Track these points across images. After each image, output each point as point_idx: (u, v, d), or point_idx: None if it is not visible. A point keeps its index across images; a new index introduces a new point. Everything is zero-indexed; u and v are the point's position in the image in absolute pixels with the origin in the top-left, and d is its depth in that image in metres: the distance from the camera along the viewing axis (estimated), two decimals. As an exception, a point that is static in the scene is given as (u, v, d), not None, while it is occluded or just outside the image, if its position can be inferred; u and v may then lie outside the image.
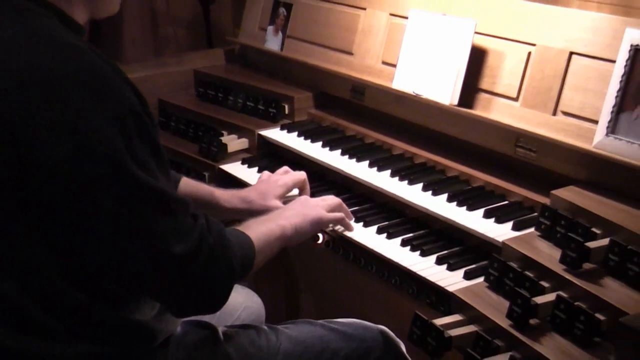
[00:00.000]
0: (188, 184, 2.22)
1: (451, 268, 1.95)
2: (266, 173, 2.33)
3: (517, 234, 1.95)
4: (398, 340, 1.97)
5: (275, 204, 2.21)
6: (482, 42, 2.32)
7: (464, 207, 2.10)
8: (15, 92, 1.52)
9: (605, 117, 1.97)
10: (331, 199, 2.15)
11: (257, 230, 1.87)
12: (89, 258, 1.61)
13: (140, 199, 1.56)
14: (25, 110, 1.51)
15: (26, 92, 1.52)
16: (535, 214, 1.98)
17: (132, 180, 1.55)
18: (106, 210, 1.55)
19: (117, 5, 1.77)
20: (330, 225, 2.14)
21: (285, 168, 2.33)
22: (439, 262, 1.98)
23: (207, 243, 1.66)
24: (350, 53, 2.75)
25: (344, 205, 2.17)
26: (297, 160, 2.54)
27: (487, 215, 2.05)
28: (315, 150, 2.54)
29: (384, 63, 2.62)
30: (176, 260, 1.61)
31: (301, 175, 2.29)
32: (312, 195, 2.29)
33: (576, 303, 1.63)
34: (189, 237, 1.63)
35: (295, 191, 2.30)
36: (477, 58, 2.31)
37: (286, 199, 2.25)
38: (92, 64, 1.57)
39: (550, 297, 1.68)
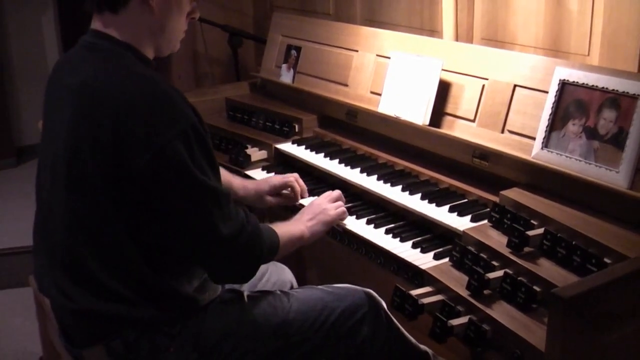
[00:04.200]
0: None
1: (423, 251, 1.95)
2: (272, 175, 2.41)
3: (474, 224, 1.95)
4: (380, 299, 1.97)
5: (267, 201, 2.28)
6: (447, 77, 2.32)
7: (434, 204, 2.11)
8: (108, 115, 1.58)
9: (540, 135, 1.98)
10: (335, 194, 2.16)
11: (282, 229, 1.90)
12: (161, 238, 1.65)
13: (198, 194, 1.61)
14: (118, 130, 1.58)
15: (115, 115, 1.58)
16: (488, 209, 1.99)
17: (193, 181, 1.59)
18: (174, 203, 1.61)
19: (177, 45, 1.80)
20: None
21: (295, 175, 2.36)
22: (414, 246, 1.98)
23: (246, 230, 1.70)
24: (346, 85, 2.75)
25: (342, 196, 2.18)
26: (304, 168, 2.55)
27: (451, 210, 2.06)
28: (318, 159, 2.54)
29: (372, 92, 2.62)
30: (223, 239, 1.66)
31: (288, 179, 2.31)
32: (316, 193, 2.30)
33: (519, 278, 1.65)
34: (233, 223, 1.68)
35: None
36: (444, 89, 2.32)
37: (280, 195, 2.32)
38: (163, 91, 1.61)
39: (499, 273, 1.70)
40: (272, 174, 2.57)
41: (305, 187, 2.34)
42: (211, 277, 1.78)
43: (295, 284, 2.26)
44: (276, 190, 2.31)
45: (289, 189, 2.32)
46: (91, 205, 1.63)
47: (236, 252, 1.71)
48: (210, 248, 1.68)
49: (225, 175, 2.31)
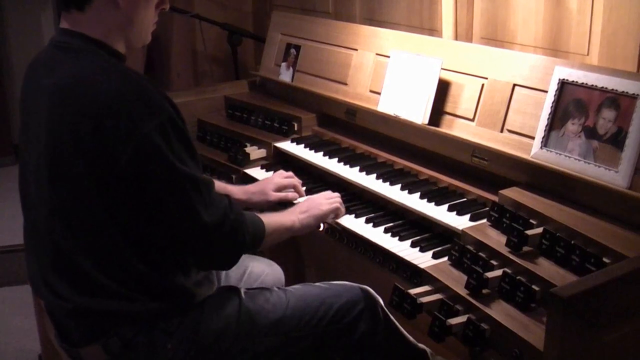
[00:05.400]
0: None
1: (422, 250, 1.95)
2: (270, 173, 2.43)
3: (473, 223, 1.95)
4: (377, 295, 1.97)
5: (271, 196, 2.28)
6: (447, 76, 2.32)
7: (433, 203, 2.10)
8: (87, 114, 1.58)
9: (539, 134, 1.98)
10: (334, 196, 2.16)
11: (270, 218, 1.92)
12: (146, 228, 1.65)
13: (179, 183, 1.63)
14: (97, 127, 1.57)
15: (97, 114, 1.58)
16: (487, 208, 1.98)
17: (173, 171, 1.61)
18: (157, 194, 1.62)
19: (148, 37, 1.80)
20: (330, 216, 2.14)
21: (289, 173, 2.38)
22: (413, 245, 1.98)
23: (229, 218, 1.71)
24: (345, 84, 2.74)
25: (340, 199, 2.18)
26: (303, 166, 2.55)
27: (450, 209, 2.06)
28: (317, 158, 2.54)
29: (371, 91, 2.62)
30: (206, 227, 1.67)
31: (290, 180, 2.34)
32: (315, 192, 2.30)
33: (517, 277, 1.64)
34: (216, 210, 1.69)
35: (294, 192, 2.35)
36: (443, 88, 2.31)
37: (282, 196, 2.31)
38: (140, 85, 1.62)
39: (498, 272, 1.69)
40: (272, 172, 2.57)
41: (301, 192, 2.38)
42: (195, 264, 1.79)
43: (282, 282, 2.28)
44: (280, 189, 2.33)
45: (292, 189, 2.34)
46: (78, 203, 1.63)
47: (219, 239, 1.72)
48: (193, 235, 1.68)
49: (219, 184, 2.31)
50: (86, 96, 1.59)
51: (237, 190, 2.31)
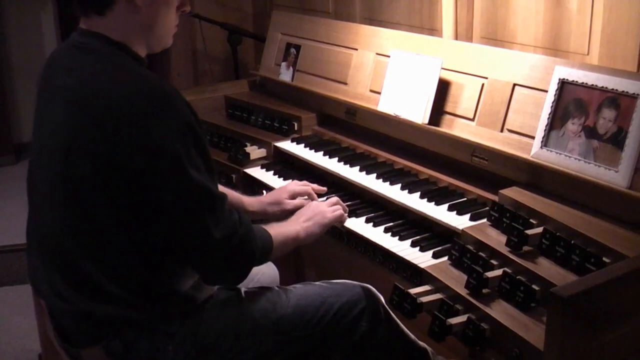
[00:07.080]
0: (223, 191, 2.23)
1: (422, 249, 1.95)
2: (270, 173, 2.43)
3: (473, 223, 1.95)
4: (378, 294, 1.96)
5: (287, 204, 2.22)
6: (447, 75, 2.32)
7: (433, 203, 2.11)
8: (105, 115, 1.56)
9: (539, 134, 1.98)
10: (333, 200, 2.14)
11: (277, 230, 1.88)
12: (154, 238, 1.64)
13: (193, 194, 1.60)
14: (112, 129, 1.56)
15: (112, 115, 1.56)
16: (487, 208, 1.98)
17: (189, 180, 1.58)
18: (169, 202, 1.60)
19: (169, 40, 1.78)
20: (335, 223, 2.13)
21: (304, 182, 2.34)
22: (413, 245, 1.98)
23: (238, 233, 1.68)
24: (345, 83, 2.75)
25: (341, 202, 2.16)
26: (303, 166, 2.55)
27: (450, 209, 2.06)
28: (317, 158, 2.54)
29: (371, 91, 2.62)
30: (215, 242, 1.64)
31: (305, 187, 2.29)
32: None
33: (517, 277, 1.65)
34: (226, 226, 1.66)
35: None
36: (443, 88, 2.32)
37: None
38: (158, 89, 1.59)
39: (498, 272, 1.69)
40: (272, 172, 2.57)
41: (320, 188, 2.34)
42: (202, 278, 1.77)
43: (277, 280, 2.26)
44: (295, 196, 2.29)
45: (306, 196, 2.31)
46: (87, 206, 1.61)
47: (227, 255, 1.69)
48: (201, 250, 1.66)
49: (234, 194, 2.28)
50: (106, 99, 1.56)
51: (252, 202, 2.24)
